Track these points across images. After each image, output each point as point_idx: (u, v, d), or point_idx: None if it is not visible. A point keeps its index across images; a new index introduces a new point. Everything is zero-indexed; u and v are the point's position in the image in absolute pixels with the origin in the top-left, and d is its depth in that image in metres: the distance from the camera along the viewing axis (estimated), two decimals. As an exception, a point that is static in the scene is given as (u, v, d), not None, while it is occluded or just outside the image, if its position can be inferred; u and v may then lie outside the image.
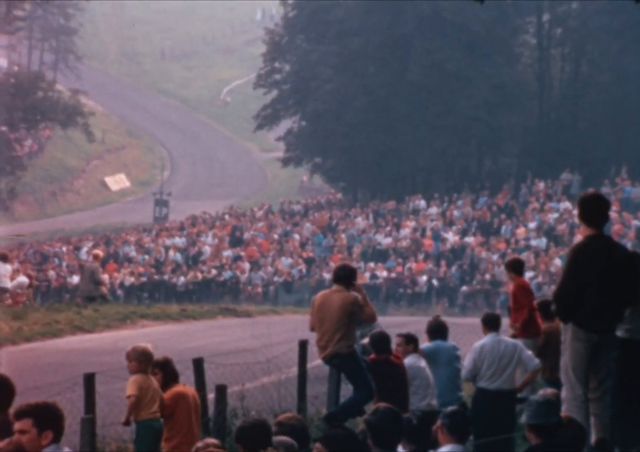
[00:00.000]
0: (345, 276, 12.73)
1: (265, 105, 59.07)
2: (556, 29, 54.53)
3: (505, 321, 13.42)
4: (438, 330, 13.32)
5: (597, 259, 8.78)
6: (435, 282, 40.97)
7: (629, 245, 33.30)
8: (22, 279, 27.01)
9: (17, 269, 28.63)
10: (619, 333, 9.26)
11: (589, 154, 49.52)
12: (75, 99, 65.34)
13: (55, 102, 64.20)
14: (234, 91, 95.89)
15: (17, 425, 6.85)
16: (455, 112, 52.04)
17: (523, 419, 7.56)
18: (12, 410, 7.19)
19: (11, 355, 19.93)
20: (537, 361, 12.53)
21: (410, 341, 12.84)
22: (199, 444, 7.79)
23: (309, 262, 45.16)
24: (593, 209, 8.92)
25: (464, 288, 40.33)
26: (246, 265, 45.25)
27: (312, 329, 12.77)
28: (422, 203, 48.84)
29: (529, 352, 12.60)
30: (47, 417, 6.85)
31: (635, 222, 40.43)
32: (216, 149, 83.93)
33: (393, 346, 12.81)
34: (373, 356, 12.66)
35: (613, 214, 39.90)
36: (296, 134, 58.49)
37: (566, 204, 42.43)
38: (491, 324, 12.54)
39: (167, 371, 11.18)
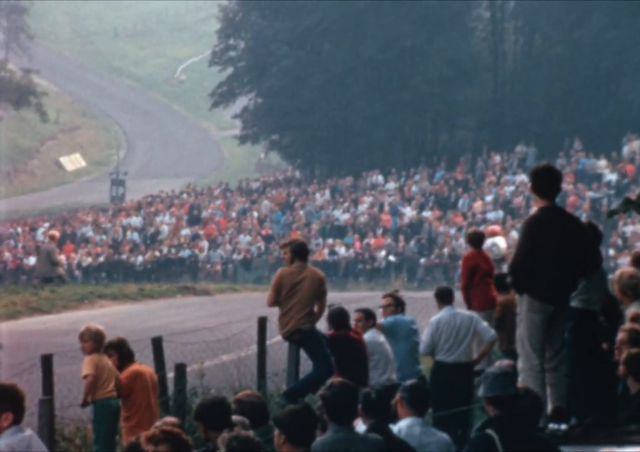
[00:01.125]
0: (302, 250, 12.80)
1: (221, 83, 58.76)
2: (509, 3, 54.66)
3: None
4: (396, 304, 13.37)
5: (551, 231, 8.83)
6: (393, 257, 41.10)
7: (584, 217, 33.56)
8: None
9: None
10: (574, 304, 9.35)
11: (544, 126, 49.77)
12: (28, 79, 64.69)
13: (7, 81, 63.56)
14: (189, 70, 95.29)
15: None
16: (410, 87, 52.08)
17: (481, 392, 7.61)
18: None
19: (-32, 338, 19.77)
20: (493, 332, 12.64)
21: (369, 317, 12.90)
22: (158, 423, 7.77)
23: (267, 239, 45.14)
24: (545, 181, 8.97)
25: (422, 262, 40.50)
26: (205, 244, 45.14)
27: (272, 304, 12.78)
28: (380, 179, 48.91)
29: (485, 323, 12.71)
30: (5, 399, 6.81)
31: (589, 193, 40.74)
32: (172, 127, 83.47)
33: (352, 322, 12.87)
34: (332, 331, 12.70)
35: (568, 186, 40.19)
36: (252, 111, 58.26)
37: (522, 177, 42.67)
38: (444, 297, 12.64)
39: (122, 352, 11.16)
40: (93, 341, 11.18)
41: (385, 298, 13.34)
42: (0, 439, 6.79)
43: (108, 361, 11.15)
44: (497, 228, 25.39)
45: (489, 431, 7.11)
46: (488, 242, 24.20)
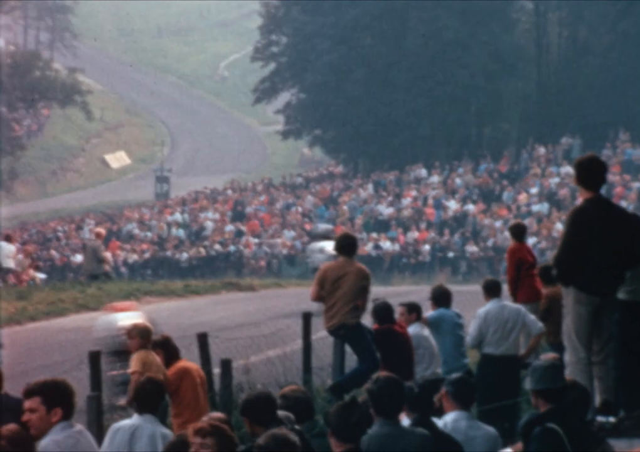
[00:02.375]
0: (348, 245, 12.77)
1: (263, 78, 58.87)
2: (553, -7, 54.29)
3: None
4: (442, 298, 13.31)
5: (596, 222, 8.76)
6: (437, 251, 40.98)
7: (630, 207, 33.28)
8: (21, 257, 27.04)
9: (21, 249, 28.65)
10: (620, 295, 9.25)
11: (589, 117, 49.35)
12: (73, 77, 65.17)
13: (53, 80, 64.08)
14: (232, 66, 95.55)
15: (26, 404, 6.86)
16: (453, 80, 51.86)
17: (529, 385, 7.55)
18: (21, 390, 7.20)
19: (17, 335, 19.98)
20: (540, 325, 12.55)
21: (413, 310, 12.84)
22: (205, 418, 7.79)
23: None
24: (590, 172, 8.89)
25: (467, 256, 40.35)
26: (250, 240, 45.26)
27: (316, 299, 12.78)
28: (423, 172, 48.78)
29: (533, 316, 12.63)
30: (55, 395, 6.85)
31: (636, 184, 40.38)
32: (215, 124, 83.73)
33: (396, 316, 12.82)
34: (376, 326, 12.67)
35: (614, 177, 39.88)
36: (295, 106, 58.31)
37: (567, 169, 42.34)
38: (492, 290, 12.56)
39: (168, 350, 11.19)
40: (140, 337, 11.23)
41: (400, 307, 13.07)
42: (48, 435, 6.83)
43: (156, 358, 11.19)
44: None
45: (553, 425, 7.05)
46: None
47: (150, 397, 9.08)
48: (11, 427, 6.75)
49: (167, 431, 9.09)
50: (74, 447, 6.82)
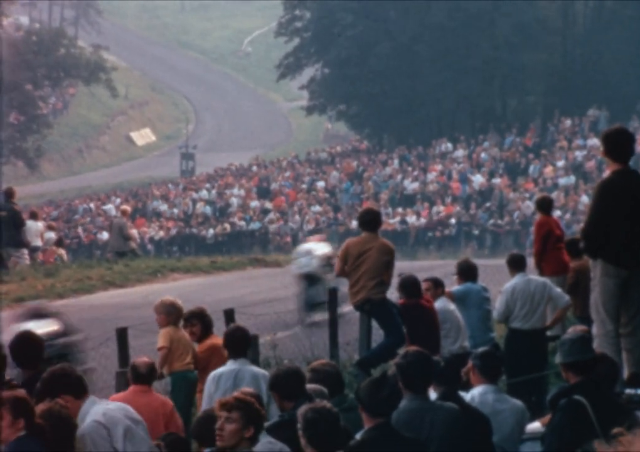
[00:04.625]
0: (371, 220, 12.74)
1: (287, 54, 58.69)
2: (578, -36, 53.79)
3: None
4: (468, 272, 13.29)
5: (624, 194, 8.69)
6: (463, 225, 40.89)
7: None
8: (49, 234, 27.14)
9: (48, 226, 28.74)
10: (649, 267, 9.20)
11: (616, 89, 48.98)
12: (97, 55, 65.22)
13: (77, 58, 64.14)
14: (256, 41, 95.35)
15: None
16: (477, 53, 51.56)
17: (558, 358, 7.53)
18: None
19: (45, 312, 20.07)
20: (567, 297, 12.52)
21: (438, 285, 12.84)
22: (235, 394, 7.82)
23: (337, 209, 45.14)
24: (618, 144, 8.82)
25: (493, 230, 40.24)
26: (276, 216, 45.29)
27: (340, 274, 12.78)
28: (448, 146, 48.60)
29: (559, 289, 12.60)
30: (53, 386, 6.88)
31: (664, 156, 40.08)
32: (240, 100, 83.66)
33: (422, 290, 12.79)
34: (403, 300, 12.66)
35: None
36: (319, 81, 58.15)
37: (593, 141, 42.05)
38: (517, 264, 12.54)
39: (205, 322, 11.21)
40: (166, 314, 11.26)
41: (425, 282, 13.01)
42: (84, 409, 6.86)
43: (184, 334, 11.22)
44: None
45: (578, 397, 7.04)
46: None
47: (240, 343, 9.61)
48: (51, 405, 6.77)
49: (265, 371, 9.77)
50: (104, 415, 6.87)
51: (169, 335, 11.16)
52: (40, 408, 6.76)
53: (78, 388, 6.93)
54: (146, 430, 7.13)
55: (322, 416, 6.50)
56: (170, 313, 11.26)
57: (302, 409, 6.59)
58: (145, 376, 9.47)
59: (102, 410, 6.89)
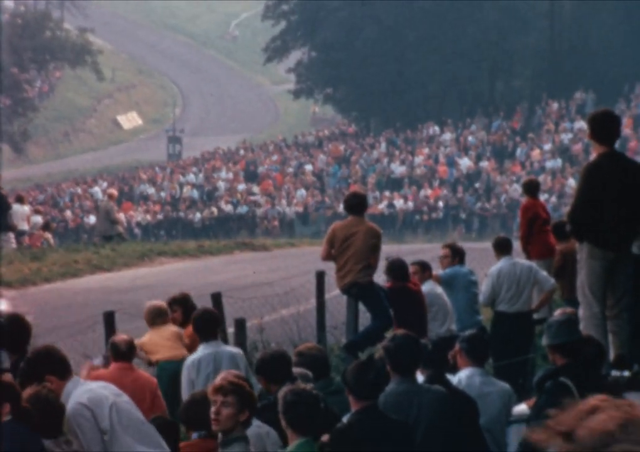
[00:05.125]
0: (358, 204, 12.72)
1: (274, 37, 58.59)
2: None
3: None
4: (455, 255, 13.31)
5: (610, 176, 8.70)
6: (450, 208, 40.93)
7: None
8: (36, 218, 27.06)
9: (35, 210, 28.64)
10: (635, 250, 9.23)
11: (603, 72, 49.03)
12: (83, 38, 64.95)
13: (63, 41, 63.90)
14: (243, 25, 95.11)
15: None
16: (465, 36, 51.53)
17: (545, 341, 7.54)
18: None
19: (32, 296, 20.07)
20: (552, 281, 12.54)
21: (425, 269, 12.85)
22: (223, 374, 7.83)
23: (324, 193, 45.13)
24: (604, 127, 8.81)
25: (480, 213, 40.29)
26: (263, 199, 45.26)
27: (326, 258, 12.76)
28: (436, 130, 48.60)
29: (544, 272, 12.62)
30: (36, 368, 6.87)
31: (650, 139, 40.19)
32: (227, 83, 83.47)
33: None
34: (390, 283, 12.67)
35: (628, 131, 39.64)
36: (306, 65, 58.07)
37: (580, 124, 42.14)
38: (502, 247, 12.56)
39: (187, 307, 11.19)
40: (147, 319, 11.40)
41: (443, 249, 13.27)
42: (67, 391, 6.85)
43: (164, 331, 11.22)
44: None
45: (564, 379, 7.06)
46: None
47: (210, 325, 9.58)
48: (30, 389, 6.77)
49: (240, 350, 9.93)
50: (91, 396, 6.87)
51: (147, 338, 11.21)
52: (27, 392, 6.75)
53: (63, 369, 6.92)
54: (132, 403, 7.11)
55: (302, 398, 6.51)
56: (150, 317, 11.32)
57: (282, 391, 6.59)
58: (125, 354, 9.52)
59: (85, 391, 6.88)
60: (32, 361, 6.94)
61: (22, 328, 8.36)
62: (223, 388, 6.63)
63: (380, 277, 12.93)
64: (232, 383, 6.66)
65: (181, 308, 11.21)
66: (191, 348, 10.92)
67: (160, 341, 11.10)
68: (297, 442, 6.52)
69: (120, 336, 9.77)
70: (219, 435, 6.86)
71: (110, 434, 6.82)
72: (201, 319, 9.62)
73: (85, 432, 6.78)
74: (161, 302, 11.42)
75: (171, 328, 11.21)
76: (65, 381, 6.90)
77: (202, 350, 9.57)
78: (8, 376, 6.97)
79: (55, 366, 6.91)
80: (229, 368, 9.01)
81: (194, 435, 7.41)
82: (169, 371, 11.03)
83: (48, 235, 27.36)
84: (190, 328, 11.09)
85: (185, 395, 9.47)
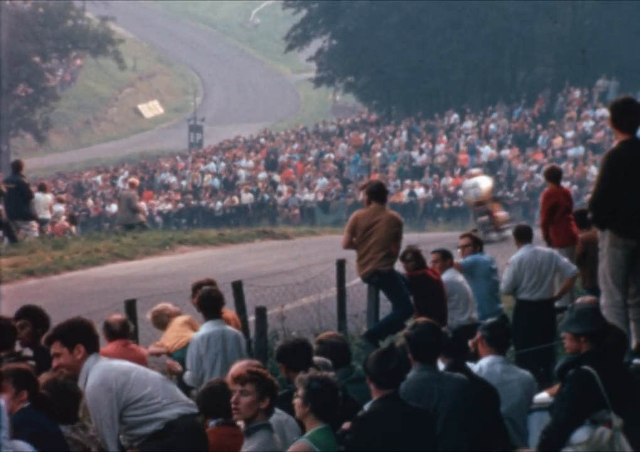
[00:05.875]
0: (379, 192, 12.71)
1: (295, 25, 58.46)
2: None
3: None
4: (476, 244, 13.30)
5: (632, 164, 8.65)
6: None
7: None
8: (58, 207, 27.15)
9: (57, 199, 28.75)
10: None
11: (625, 59, 48.69)
12: (105, 26, 65.06)
13: (85, 30, 64.01)
14: (263, 13, 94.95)
15: (52, 351, 6.95)
16: (487, 24, 51.30)
17: (573, 328, 7.50)
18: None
19: (54, 284, 20.15)
20: (574, 267, 12.50)
21: (446, 257, 12.85)
22: (243, 363, 7.85)
23: (345, 182, 45.09)
24: (625, 114, 8.77)
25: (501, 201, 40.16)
26: (284, 188, 45.27)
27: (347, 247, 12.75)
28: (457, 118, 48.45)
29: (566, 259, 12.58)
30: (72, 334, 6.92)
31: (673, 127, 39.90)
32: (248, 72, 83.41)
33: (430, 263, 12.81)
34: (409, 272, 12.66)
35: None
36: (327, 53, 57.94)
37: (602, 112, 41.87)
38: (523, 236, 12.52)
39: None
40: (154, 323, 11.48)
41: (463, 238, 13.28)
42: (84, 371, 6.88)
43: (175, 323, 11.28)
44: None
45: (587, 367, 7.04)
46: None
47: (217, 303, 9.84)
48: (44, 376, 6.82)
49: (240, 332, 10.15)
50: (115, 370, 6.90)
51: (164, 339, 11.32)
52: (44, 379, 6.79)
53: (93, 343, 6.99)
54: (146, 372, 7.16)
55: (327, 386, 6.53)
56: (157, 322, 11.47)
57: (304, 378, 6.60)
58: (119, 333, 9.73)
59: (101, 370, 6.91)
60: (67, 327, 7.00)
61: (42, 319, 8.52)
62: (242, 377, 6.66)
63: (399, 266, 12.92)
64: (250, 372, 6.69)
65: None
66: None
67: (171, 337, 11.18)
68: (316, 428, 6.54)
69: (114, 316, 9.93)
70: (243, 424, 6.88)
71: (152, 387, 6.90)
72: (208, 298, 9.80)
73: (102, 412, 6.81)
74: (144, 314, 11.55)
75: (179, 319, 11.28)
76: (88, 355, 6.95)
77: (210, 327, 9.72)
78: (26, 365, 7.02)
79: (88, 339, 6.98)
80: (234, 347, 9.41)
81: (212, 423, 7.45)
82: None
83: (72, 228, 27.45)
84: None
85: (192, 369, 9.55)
